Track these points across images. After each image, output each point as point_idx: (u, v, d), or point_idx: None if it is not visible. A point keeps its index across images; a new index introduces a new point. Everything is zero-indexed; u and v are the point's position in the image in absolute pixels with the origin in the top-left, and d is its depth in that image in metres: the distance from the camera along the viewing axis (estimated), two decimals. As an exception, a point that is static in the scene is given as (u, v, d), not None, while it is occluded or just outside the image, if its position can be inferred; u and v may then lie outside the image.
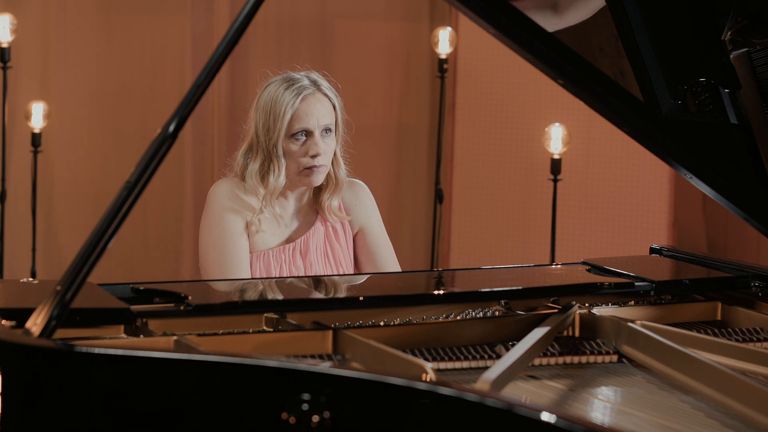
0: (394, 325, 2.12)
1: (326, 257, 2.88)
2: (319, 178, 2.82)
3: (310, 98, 2.78)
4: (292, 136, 2.78)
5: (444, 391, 1.58)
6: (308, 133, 2.78)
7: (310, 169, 2.79)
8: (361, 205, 2.95)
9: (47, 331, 1.76)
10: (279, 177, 2.79)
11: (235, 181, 2.84)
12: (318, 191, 2.90)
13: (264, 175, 2.80)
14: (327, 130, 2.80)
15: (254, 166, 2.80)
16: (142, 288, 2.17)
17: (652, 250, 2.74)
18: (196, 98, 1.86)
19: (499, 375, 1.77)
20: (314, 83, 2.82)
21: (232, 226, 2.79)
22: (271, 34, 5.58)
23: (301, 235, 2.87)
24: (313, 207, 2.91)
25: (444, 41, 5.38)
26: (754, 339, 2.21)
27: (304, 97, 2.78)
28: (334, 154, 2.85)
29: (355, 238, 2.94)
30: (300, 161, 2.78)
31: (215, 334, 2.01)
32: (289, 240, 2.86)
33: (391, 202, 5.68)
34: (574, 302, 2.26)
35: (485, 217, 5.70)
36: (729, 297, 2.39)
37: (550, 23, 2.26)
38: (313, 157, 2.78)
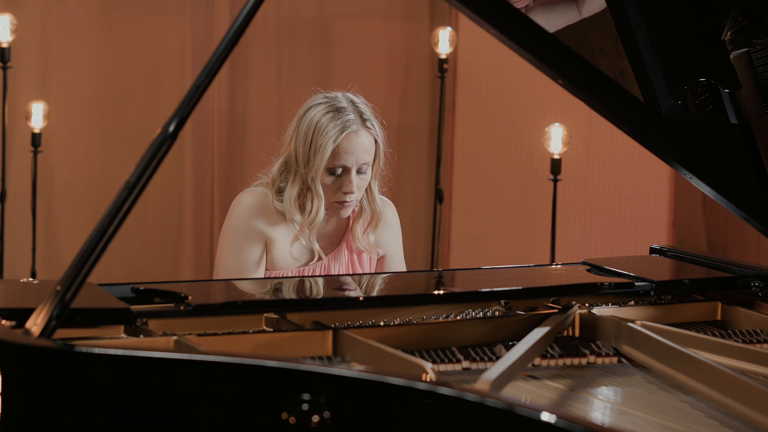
0: (394, 325, 2.12)
1: None
2: (347, 212, 2.79)
3: (353, 136, 2.70)
4: (328, 170, 2.72)
5: (444, 391, 1.58)
6: (345, 170, 2.72)
7: (341, 203, 2.75)
8: (389, 232, 2.92)
9: (47, 331, 1.76)
10: (318, 213, 2.73)
11: (264, 193, 2.78)
12: (348, 217, 2.86)
13: (302, 203, 2.75)
14: (364, 164, 2.74)
15: (292, 192, 2.74)
16: (142, 288, 2.17)
17: (652, 250, 2.74)
18: (196, 98, 1.86)
19: (499, 375, 1.77)
20: (360, 116, 2.73)
21: (250, 248, 2.75)
22: (271, 34, 5.58)
23: (325, 255, 2.83)
24: (341, 230, 2.87)
25: (444, 41, 5.38)
26: (754, 339, 2.21)
27: (348, 134, 2.70)
28: (369, 187, 2.80)
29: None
30: (332, 195, 2.74)
31: (215, 334, 2.01)
32: (311, 260, 2.82)
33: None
34: (574, 302, 2.26)
35: (485, 217, 5.70)
36: (729, 297, 2.39)
37: (570, 17, 2.26)
38: (346, 193, 2.73)
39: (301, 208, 2.75)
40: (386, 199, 2.93)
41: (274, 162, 2.82)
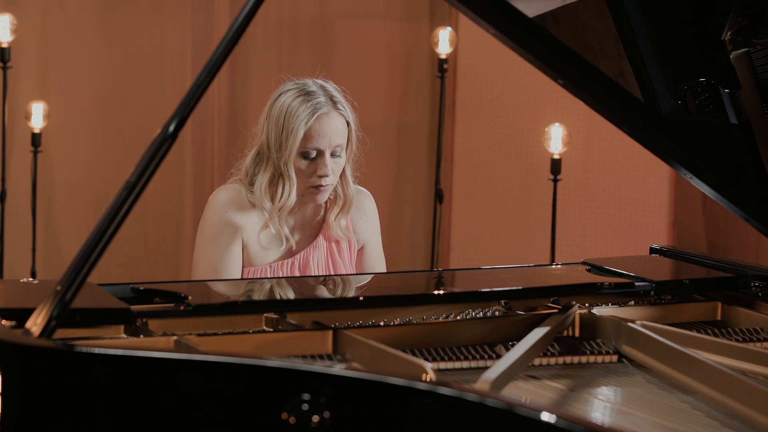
0: (394, 325, 2.12)
1: (327, 273, 2.84)
2: (324, 197, 2.77)
3: (324, 117, 2.70)
4: (301, 153, 2.71)
5: (444, 391, 1.58)
6: (319, 153, 2.71)
7: (317, 188, 2.74)
8: (367, 221, 2.91)
9: (47, 331, 1.76)
10: (289, 197, 2.73)
11: (238, 188, 2.78)
12: (323, 205, 2.85)
13: (273, 191, 2.74)
14: (338, 147, 2.74)
15: (263, 179, 2.73)
16: (142, 288, 2.17)
17: (652, 250, 2.74)
18: (196, 98, 1.86)
19: (499, 375, 1.77)
20: (330, 99, 2.73)
21: (226, 244, 2.74)
22: (271, 34, 5.58)
23: (302, 249, 2.82)
24: (316, 221, 2.85)
25: (444, 41, 5.38)
26: (754, 339, 2.21)
27: (319, 116, 2.69)
28: (343, 171, 2.79)
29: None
30: (307, 180, 2.74)
31: (215, 334, 2.01)
32: (288, 254, 2.81)
33: (391, 202, 5.68)
34: (574, 302, 2.26)
35: (485, 217, 5.70)
36: (729, 297, 2.39)
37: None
38: (321, 177, 2.72)
39: (272, 196, 2.75)
40: (363, 188, 2.92)
41: (246, 155, 2.81)
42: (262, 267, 2.77)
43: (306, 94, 2.72)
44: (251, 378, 1.67)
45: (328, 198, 2.82)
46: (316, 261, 2.82)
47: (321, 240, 2.84)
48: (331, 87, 2.77)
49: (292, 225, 2.82)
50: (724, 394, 1.83)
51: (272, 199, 2.74)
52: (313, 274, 2.81)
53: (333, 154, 2.73)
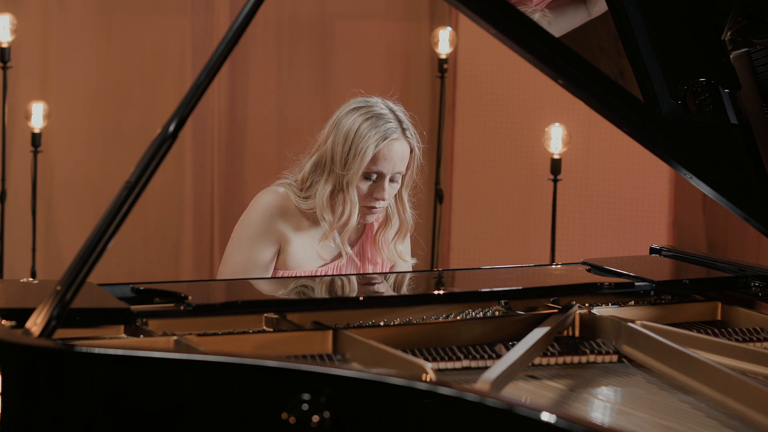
0: (394, 325, 2.12)
1: None
2: (373, 218, 2.81)
3: (393, 143, 2.70)
4: (363, 174, 2.72)
5: (444, 391, 1.58)
6: (379, 176, 2.73)
7: (370, 208, 2.76)
8: (406, 241, 2.92)
9: (47, 331, 1.76)
10: (351, 218, 2.74)
11: (285, 194, 2.77)
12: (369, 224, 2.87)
13: (333, 204, 2.75)
14: (398, 173, 2.75)
15: (325, 190, 2.73)
16: (142, 288, 2.17)
17: (652, 250, 2.74)
18: (196, 98, 1.86)
19: (499, 375, 1.77)
20: (400, 125, 2.73)
21: (263, 247, 2.75)
22: (271, 34, 5.58)
23: (338, 259, 2.83)
24: (358, 232, 2.87)
25: (444, 41, 5.38)
26: (754, 339, 2.21)
27: (389, 142, 2.70)
28: (401, 196, 2.81)
29: None
30: (362, 199, 2.75)
31: (215, 334, 2.01)
32: (324, 263, 2.81)
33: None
34: (574, 302, 2.26)
35: (485, 217, 5.70)
36: (729, 297, 2.39)
37: (580, 18, 2.26)
38: (376, 199, 2.74)
39: (332, 209, 2.76)
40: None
41: (304, 161, 2.81)
42: (296, 272, 2.77)
43: (376, 117, 2.72)
44: (251, 378, 1.67)
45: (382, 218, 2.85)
46: (347, 272, 2.83)
47: (360, 252, 2.86)
48: (400, 111, 2.77)
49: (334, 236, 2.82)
50: (724, 394, 1.83)
51: (332, 211, 2.75)
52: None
53: (392, 180, 2.75)
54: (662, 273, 2.55)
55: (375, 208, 2.76)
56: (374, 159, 2.70)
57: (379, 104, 2.76)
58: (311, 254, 2.78)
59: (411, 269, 2.95)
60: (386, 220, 2.86)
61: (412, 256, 2.98)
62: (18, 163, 5.22)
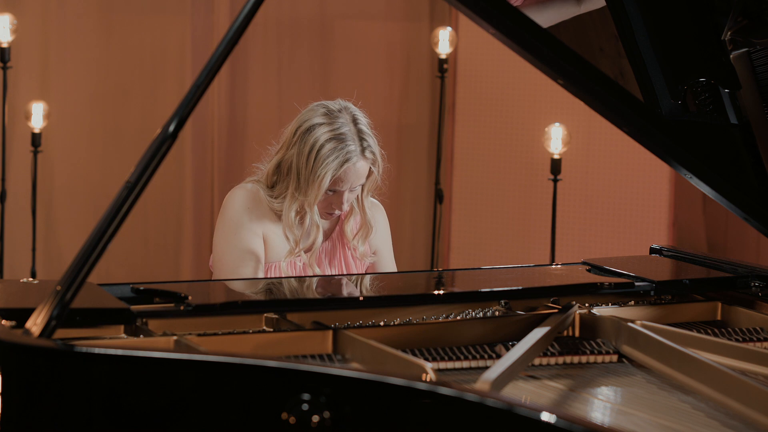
0: (394, 325, 2.12)
1: (339, 269, 2.88)
2: (333, 218, 2.85)
3: (351, 167, 2.72)
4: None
5: (444, 391, 1.58)
6: (337, 192, 2.76)
7: (329, 214, 2.81)
8: (378, 234, 2.93)
9: (47, 331, 1.76)
10: (316, 241, 2.78)
11: (255, 188, 2.81)
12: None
13: (299, 218, 2.78)
14: (357, 186, 2.78)
15: (291, 211, 2.76)
16: (142, 288, 2.17)
17: (652, 250, 2.74)
18: (196, 98, 1.86)
19: (499, 375, 1.77)
20: (360, 143, 2.73)
21: (250, 240, 2.77)
22: (271, 34, 5.58)
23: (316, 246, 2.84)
24: (331, 226, 2.89)
25: (444, 41, 5.38)
26: (754, 339, 2.21)
27: (348, 167, 2.71)
28: (361, 201, 2.84)
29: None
30: (321, 206, 2.78)
31: (215, 334, 2.01)
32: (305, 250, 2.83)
33: (391, 202, 5.66)
34: (574, 302, 2.26)
35: (485, 217, 5.70)
36: (729, 297, 2.39)
37: (569, 11, 2.26)
38: (335, 208, 2.78)
39: (301, 222, 2.79)
40: (375, 201, 2.95)
41: (270, 155, 2.85)
42: (275, 264, 2.79)
43: (337, 139, 2.72)
44: (251, 378, 1.67)
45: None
46: (328, 257, 2.86)
47: (335, 245, 2.88)
48: (363, 124, 2.77)
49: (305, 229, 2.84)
50: (724, 394, 1.83)
51: (300, 230, 2.78)
52: (323, 268, 2.84)
53: (351, 190, 2.78)
54: (662, 273, 2.55)
55: (333, 214, 2.81)
56: (333, 181, 2.73)
57: (342, 118, 2.76)
58: (286, 246, 2.80)
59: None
60: (351, 211, 2.88)
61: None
62: (18, 163, 5.22)
